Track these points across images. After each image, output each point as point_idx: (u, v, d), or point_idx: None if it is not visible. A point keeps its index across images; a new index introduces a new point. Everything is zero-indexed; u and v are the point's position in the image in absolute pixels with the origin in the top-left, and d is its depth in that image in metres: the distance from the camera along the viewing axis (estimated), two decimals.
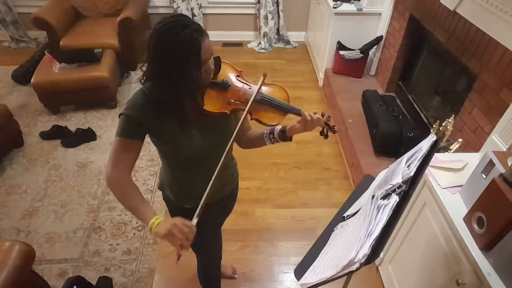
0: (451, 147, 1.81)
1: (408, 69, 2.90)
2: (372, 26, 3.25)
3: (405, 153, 1.08)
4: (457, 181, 1.47)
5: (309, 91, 3.71)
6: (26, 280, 1.53)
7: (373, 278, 2.02)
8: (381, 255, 1.96)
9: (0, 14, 4.05)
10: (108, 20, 3.79)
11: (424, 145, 1.00)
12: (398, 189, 0.96)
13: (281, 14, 4.26)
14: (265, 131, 1.25)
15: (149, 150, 2.82)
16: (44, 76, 3.05)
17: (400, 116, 2.56)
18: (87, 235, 2.23)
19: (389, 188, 0.98)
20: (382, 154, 2.47)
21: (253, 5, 4.31)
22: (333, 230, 1.17)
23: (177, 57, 0.95)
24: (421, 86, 2.75)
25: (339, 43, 3.34)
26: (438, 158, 1.59)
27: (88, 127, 3.01)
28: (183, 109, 1.05)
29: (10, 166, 2.70)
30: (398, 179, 0.97)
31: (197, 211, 0.96)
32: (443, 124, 1.81)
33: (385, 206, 0.94)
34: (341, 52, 3.29)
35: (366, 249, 0.88)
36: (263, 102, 1.15)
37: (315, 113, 1.15)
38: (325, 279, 0.95)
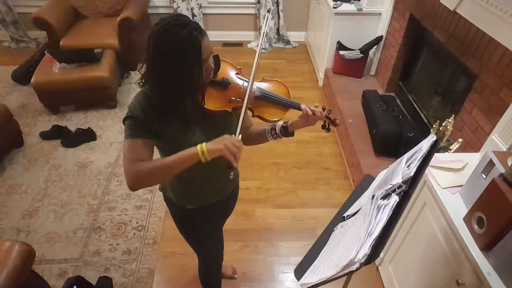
0: (451, 147, 1.81)
1: (408, 69, 2.90)
2: (372, 26, 3.25)
3: (405, 153, 1.08)
4: (457, 181, 1.47)
5: (309, 91, 3.72)
6: (26, 280, 1.53)
7: (373, 278, 2.02)
8: (381, 255, 1.96)
9: (0, 14, 4.05)
10: (108, 20, 3.79)
11: (424, 145, 1.00)
12: (398, 189, 0.96)
13: (281, 14, 4.26)
14: (267, 127, 1.25)
15: None
16: (44, 76, 3.05)
17: (400, 116, 2.56)
18: (87, 235, 2.23)
19: (389, 188, 0.98)
20: (382, 154, 2.47)
21: (253, 5, 4.31)
22: (333, 230, 1.17)
23: (177, 57, 0.95)
24: (421, 86, 2.75)
25: (339, 43, 3.34)
26: (438, 158, 1.59)
27: (88, 127, 3.01)
28: (185, 109, 1.05)
29: (10, 166, 2.70)
30: (398, 179, 0.97)
31: (239, 126, 1.04)
32: (443, 124, 1.81)
33: (385, 206, 0.94)
34: (341, 52, 3.29)
35: (366, 249, 0.88)
36: (264, 98, 1.15)
37: (316, 107, 1.15)
38: (325, 279, 0.95)
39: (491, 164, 1.26)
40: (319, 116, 1.15)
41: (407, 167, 1.01)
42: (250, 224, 2.34)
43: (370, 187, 1.19)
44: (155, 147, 1.14)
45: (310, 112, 1.13)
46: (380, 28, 3.19)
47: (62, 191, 2.52)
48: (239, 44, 4.56)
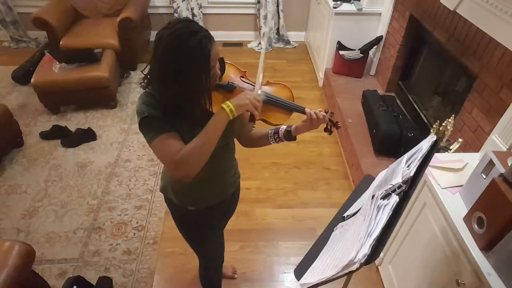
0: (451, 147, 1.81)
1: (408, 69, 2.90)
2: (372, 26, 3.25)
3: (405, 153, 1.08)
4: (457, 181, 1.47)
5: (309, 91, 3.72)
6: (26, 280, 1.53)
7: (373, 278, 2.02)
8: (381, 255, 1.96)
9: (0, 14, 4.05)
10: (108, 20, 3.79)
11: (424, 145, 1.00)
12: (398, 189, 0.96)
13: (281, 14, 4.26)
14: (270, 131, 1.25)
15: (149, 150, 2.82)
16: (44, 76, 3.05)
17: (400, 116, 2.56)
18: (87, 235, 2.23)
19: (389, 188, 0.98)
20: (382, 154, 2.47)
21: (253, 5, 4.31)
22: (333, 230, 1.17)
23: (186, 64, 0.95)
24: (421, 86, 2.75)
25: (339, 43, 3.34)
26: (438, 158, 1.59)
27: (88, 127, 3.01)
28: (190, 112, 1.04)
29: (10, 166, 2.70)
30: (398, 179, 0.97)
31: (258, 82, 1.09)
32: (443, 124, 1.81)
33: (385, 206, 0.94)
34: (341, 52, 3.29)
35: (366, 249, 0.88)
36: (269, 102, 1.15)
37: (320, 111, 1.16)
38: (325, 279, 0.95)
39: (491, 164, 1.26)
40: (323, 120, 1.16)
41: (407, 167, 1.01)
42: (250, 224, 2.34)
43: (370, 187, 1.19)
44: None
45: (314, 116, 1.13)
46: (380, 28, 3.19)
47: (62, 191, 2.52)
48: (239, 44, 4.57)
